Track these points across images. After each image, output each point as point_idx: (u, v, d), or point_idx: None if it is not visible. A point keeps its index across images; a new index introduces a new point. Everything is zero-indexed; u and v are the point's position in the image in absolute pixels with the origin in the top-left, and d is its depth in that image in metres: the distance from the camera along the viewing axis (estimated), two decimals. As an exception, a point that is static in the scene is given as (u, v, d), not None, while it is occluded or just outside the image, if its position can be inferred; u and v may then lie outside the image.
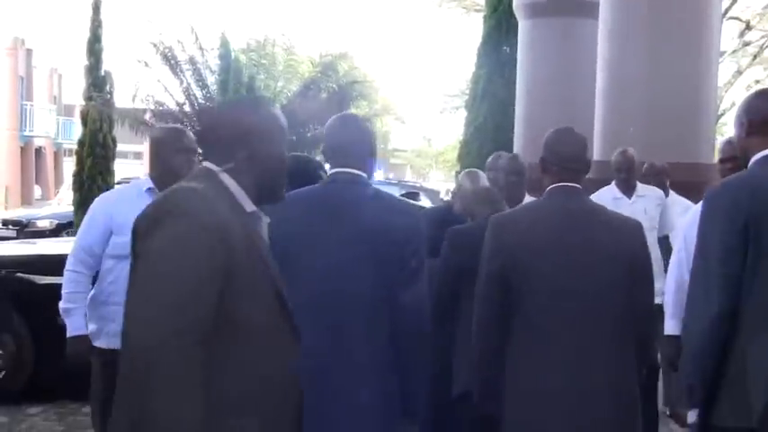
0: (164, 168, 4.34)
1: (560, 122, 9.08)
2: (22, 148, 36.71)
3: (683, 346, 3.15)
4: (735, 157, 4.70)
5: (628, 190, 6.02)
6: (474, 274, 3.40)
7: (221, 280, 2.15)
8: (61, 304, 4.29)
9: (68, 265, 4.32)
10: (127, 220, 3.94)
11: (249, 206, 2.40)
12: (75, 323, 4.27)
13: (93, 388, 4.37)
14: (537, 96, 9.87)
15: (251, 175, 2.41)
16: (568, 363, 3.16)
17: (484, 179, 5.12)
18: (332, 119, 3.65)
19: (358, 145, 3.41)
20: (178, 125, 4.85)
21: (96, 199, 4.58)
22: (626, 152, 6.02)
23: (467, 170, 5.40)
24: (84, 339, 4.26)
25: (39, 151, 40.12)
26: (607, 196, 5.85)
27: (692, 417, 3.21)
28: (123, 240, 3.89)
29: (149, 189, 4.34)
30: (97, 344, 4.28)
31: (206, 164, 2.40)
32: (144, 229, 2.29)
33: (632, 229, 3.31)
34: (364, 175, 3.39)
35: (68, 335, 4.27)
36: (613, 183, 6.08)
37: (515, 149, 9.98)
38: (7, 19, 35.07)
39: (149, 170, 4.53)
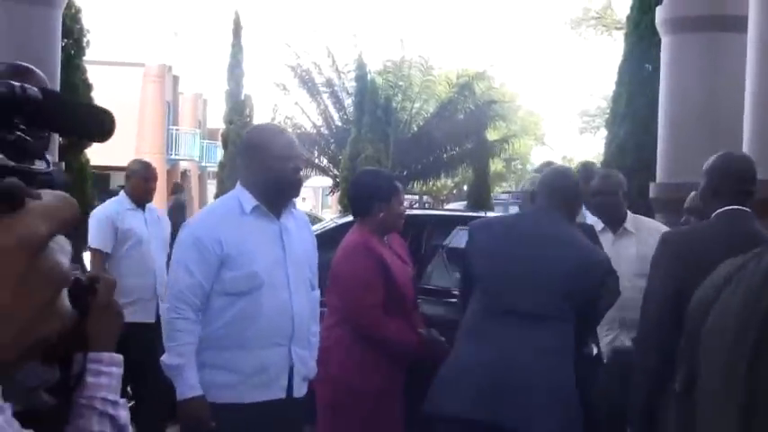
0: (271, 181, 3.62)
1: (705, 142, 8.76)
2: (168, 171, 37.87)
3: None
4: None
5: None
6: None
7: None
8: (167, 359, 3.55)
9: (171, 311, 3.54)
10: (241, 250, 3.57)
11: None
12: (190, 381, 3.50)
13: None
14: (680, 115, 9.49)
15: None
16: None
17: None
18: (548, 169, 4.56)
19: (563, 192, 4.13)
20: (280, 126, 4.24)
21: (191, 223, 3.80)
22: None
23: (532, 176, 5.86)
24: (201, 401, 3.52)
25: (184, 174, 41.34)
26: None
27: None
28: (239, 274, 3.54)
29: (256, 208, 3.63)
30: (214, 400, 3.56)
31: None
32: None
33: None
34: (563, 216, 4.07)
35: (182, 397, 3.51)
36: None
37: (658, 169, 9.64)
38: (155, 47, 36.34)
39: (244, 181, 3.73)
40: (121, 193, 6.80)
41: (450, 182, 37.90)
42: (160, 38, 37.64)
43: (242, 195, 3.66)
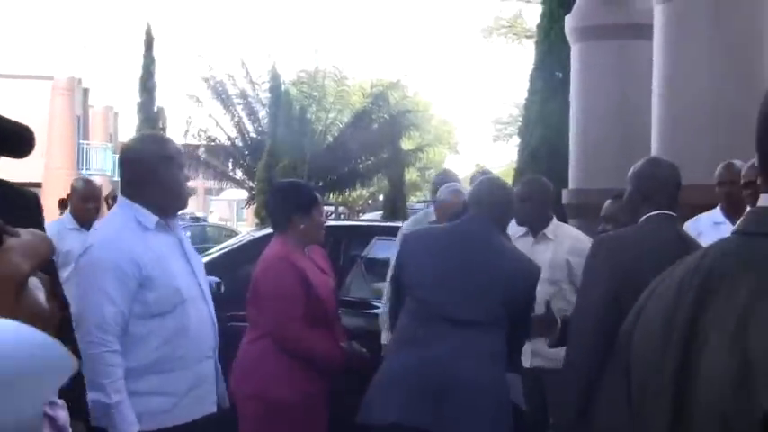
0: (167, 192, 3.43)
1: (615, 148, 8.90)
2: (79, 186, 37.08)
3: None
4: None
5: (734, 213, 4.94)
6: None
7: None
8: (104, 398, 3.19)
9: (97, 345, 3.20)
10: (159, 269, 3.37)
11: None
12: (130, 417, 3.24)
13: None
14: (590, 121, 9.66)
15: None
16: None
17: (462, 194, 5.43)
18: (481, 179, 4.45)
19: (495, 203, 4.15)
20: (160, 133, 3.98)
21: (99, 246, 3.37)
22: (729, 165, 5.24)
23: (448, 185, 5.79)
24: None
25: (95, 189, 40.55)
26: (706, 222, 5.26)
27: None
28: (162, 294, 3.35)
29: (158, 223, 3.43)
30: (148, 428, 3.31)
31: None
32: None
33: None
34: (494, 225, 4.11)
35: None
36: (718, 206, 5.36)
37: (570, 175, 9.78)
38: (64, 59, 35.66)
39: (133, 195, 3.44)
40: (66, 212, 6.48)
41: (365, 192, 37.95)
42: (69, 50, 36.89)
43: (137, 211, 3.42)
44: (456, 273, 3.96)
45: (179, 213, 3.77)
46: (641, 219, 3.51)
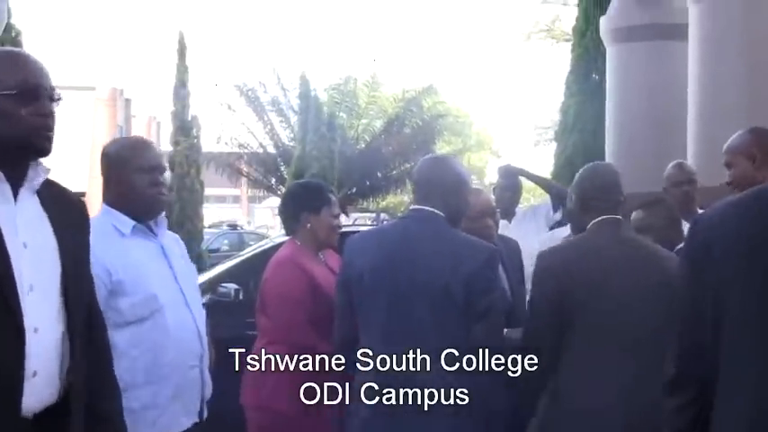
0: (135, 197, 3.34)
1: (653, 149, 8.69)
2: (120, 194, 37.50)
3: None
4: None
5: (688, 212, 4.84)
6: None
7: None
8: None
9: None
10: (132, 274, 3.22)
11: None
12: None
13: None
14: (627, 124, 9.49)
15: None
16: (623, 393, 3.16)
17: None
18: (424, 158, 3.74)
19: (439, 184, 3.47)
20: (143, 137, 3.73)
21: None
22: (683, 165, 5.28)
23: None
24: None
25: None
26: None
27: None
28: (137, 299, 3.22)
29: (135, 227, 3.34)
30: None
31: None
32: None
33: (672, 262, 3.31)
34: (440, 213, 3.44)
35: None
36: None
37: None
38: (105, 70, 36.10)
39: (110, 200, 3.40)
40: None
41: (406, 198, 37.83)
42: (110, 61, 37.31)
43: (114, 217, 3.34)
44: (394, 292, 3.34)
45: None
46: (588, 226, 3.44)
